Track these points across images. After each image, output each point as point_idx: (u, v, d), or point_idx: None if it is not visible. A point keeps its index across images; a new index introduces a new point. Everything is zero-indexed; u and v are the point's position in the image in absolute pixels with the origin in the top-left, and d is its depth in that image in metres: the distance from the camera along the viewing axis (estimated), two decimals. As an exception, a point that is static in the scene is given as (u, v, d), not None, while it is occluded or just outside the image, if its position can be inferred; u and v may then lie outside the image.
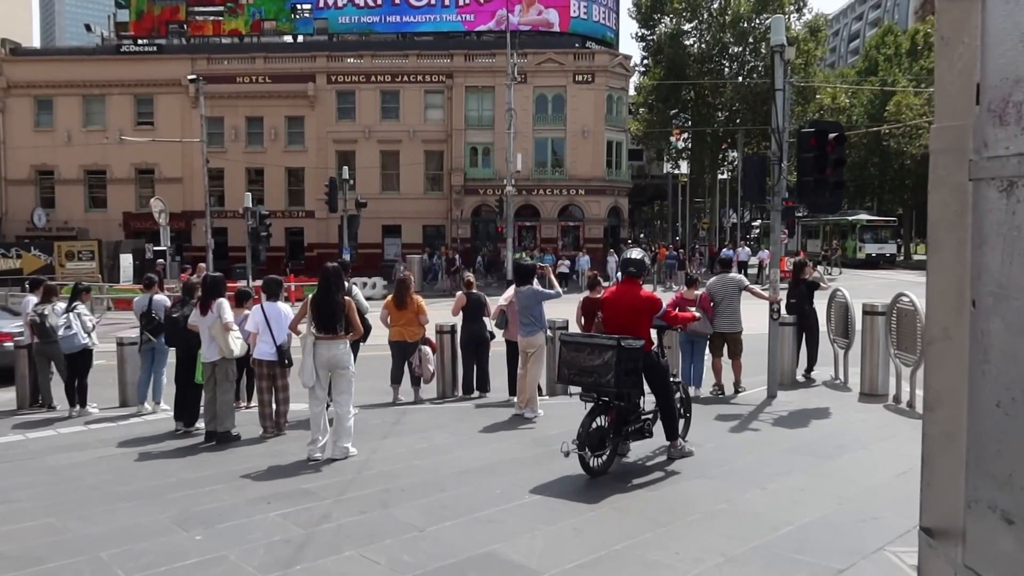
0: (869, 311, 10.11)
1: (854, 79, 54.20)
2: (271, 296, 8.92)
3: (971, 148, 2.12)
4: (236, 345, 8.59)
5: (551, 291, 9.66)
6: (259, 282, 11.12)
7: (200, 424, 9.08)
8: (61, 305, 10.65)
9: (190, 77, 33.85)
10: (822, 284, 11.54)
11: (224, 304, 8.59)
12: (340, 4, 45.95)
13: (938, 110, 2.43)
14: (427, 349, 10.68)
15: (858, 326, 10.55)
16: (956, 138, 2.22)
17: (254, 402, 9.53)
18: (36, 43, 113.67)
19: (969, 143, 2.13)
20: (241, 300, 9.84)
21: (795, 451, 7.60)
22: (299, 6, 46.30)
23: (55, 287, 11.47)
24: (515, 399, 9.78)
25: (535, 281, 9.65)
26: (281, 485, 6.78)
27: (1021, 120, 1.92)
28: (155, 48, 45.45)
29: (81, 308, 10.66)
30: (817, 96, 47.67)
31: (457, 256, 38.43)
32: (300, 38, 47.45)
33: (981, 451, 2.08)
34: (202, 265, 21.26)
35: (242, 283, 19.36)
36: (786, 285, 11.62)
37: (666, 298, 9.04)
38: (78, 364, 10.58)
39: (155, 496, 6.56)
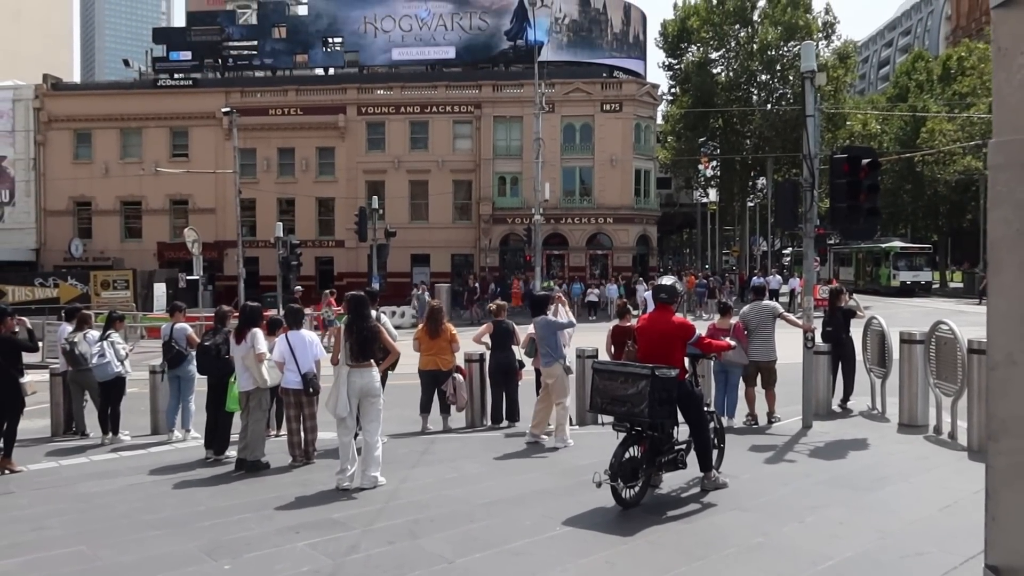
0: (907, 339, 9.87)
1: (884, 106, 53.81)
2: (294, 325, 8.95)
3: None
4: (268, 375, 8.60)
5: (562, 320, 9.58)
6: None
7: (230, 452, 9.09)
8: (94, 333, 10.78)
9: (224, 110, 34.50)
10: (859, 312, 11.32)
11: (258, 334, 8.63)
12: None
13: (997, 123, 2.34)
14: (460, 377, 10.64)
15: (895, 355, 10.32)
16: (1018, 152, 2.13)
17: (283, 430, 9.53)
18: (76, 78, 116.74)
19: None
20: (272, 328, 9.88)
21: (833, 483, 7.40)
22: (330, 39, 47.20)
23: (89, 316, 11.62)
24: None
25: (549, 311, 9.57)
26: (310, 514, 6.73)
27: None
28: (190, 82, 46.50)
29: (115, 336, 10.78)
30: (847, 123, 47.41)
31: (492, 284, 38.22)
32: (331, 70, 48.30)
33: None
34: (331, 292, 21.92)
35: (273, 312, 19.55)
36: (820, 313, 11.42)
37: (697, 326, 8.91)
38: (111, 392, 10.68)
39: (184, 524, 6.55)
